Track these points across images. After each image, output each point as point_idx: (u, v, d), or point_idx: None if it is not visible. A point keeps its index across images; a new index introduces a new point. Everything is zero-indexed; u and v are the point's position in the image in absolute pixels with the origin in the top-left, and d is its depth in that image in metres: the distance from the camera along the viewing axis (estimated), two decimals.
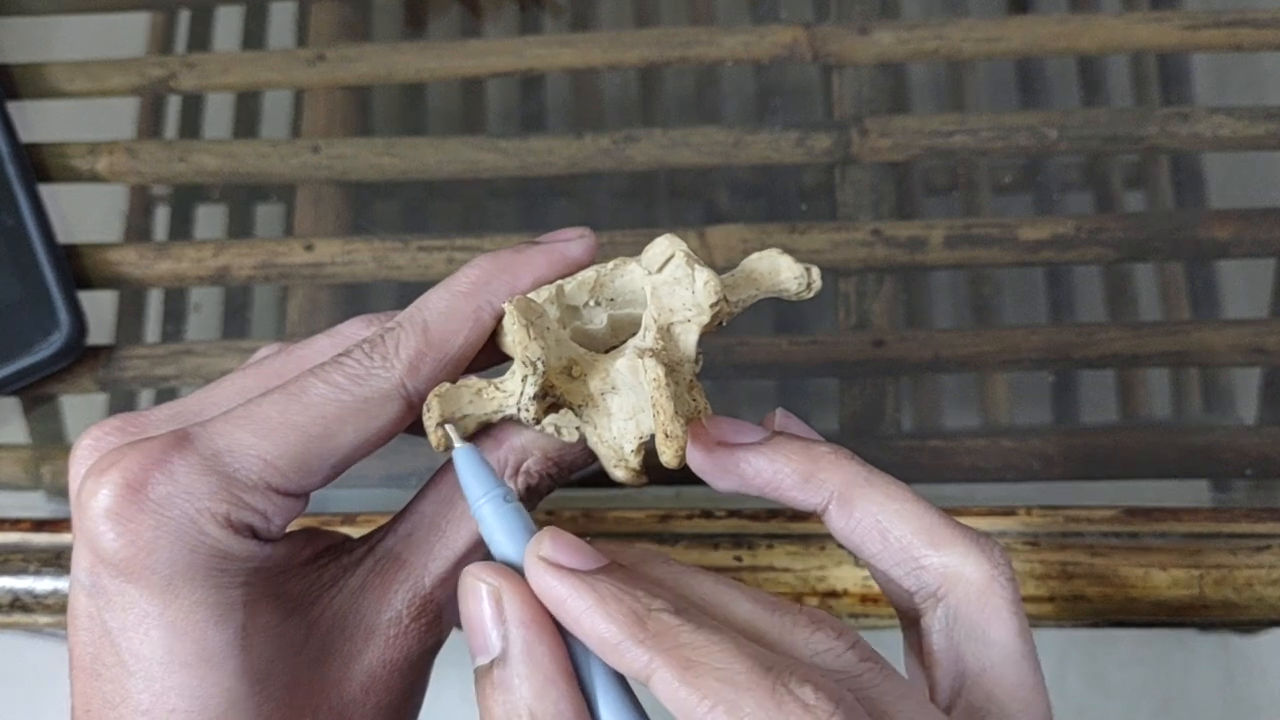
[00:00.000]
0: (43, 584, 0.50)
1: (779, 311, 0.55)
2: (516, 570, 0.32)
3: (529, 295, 0.35)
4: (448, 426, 0.34)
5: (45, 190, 0.56)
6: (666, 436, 0.33)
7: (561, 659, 0.31)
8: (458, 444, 0.34)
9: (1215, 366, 0.53)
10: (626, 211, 0.56)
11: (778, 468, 0.35)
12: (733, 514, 0.50)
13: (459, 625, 0.33)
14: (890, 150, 0.55)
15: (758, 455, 0.35)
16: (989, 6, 0.58)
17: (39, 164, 0.57)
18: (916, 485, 0.51)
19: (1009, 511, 0.49)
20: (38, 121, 0.58)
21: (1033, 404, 0.53)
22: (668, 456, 0.33)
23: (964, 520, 0.48)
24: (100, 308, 0.55)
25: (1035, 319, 0.54)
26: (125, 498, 0.31)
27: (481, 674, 0.32)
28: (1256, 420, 0.52)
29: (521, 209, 0.57)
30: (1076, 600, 0.48)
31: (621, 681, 0.31)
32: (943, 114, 0.56)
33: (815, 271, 0.36)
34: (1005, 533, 0.49)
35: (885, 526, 0.34)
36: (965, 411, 0.53)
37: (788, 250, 0.54)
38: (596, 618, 0.30)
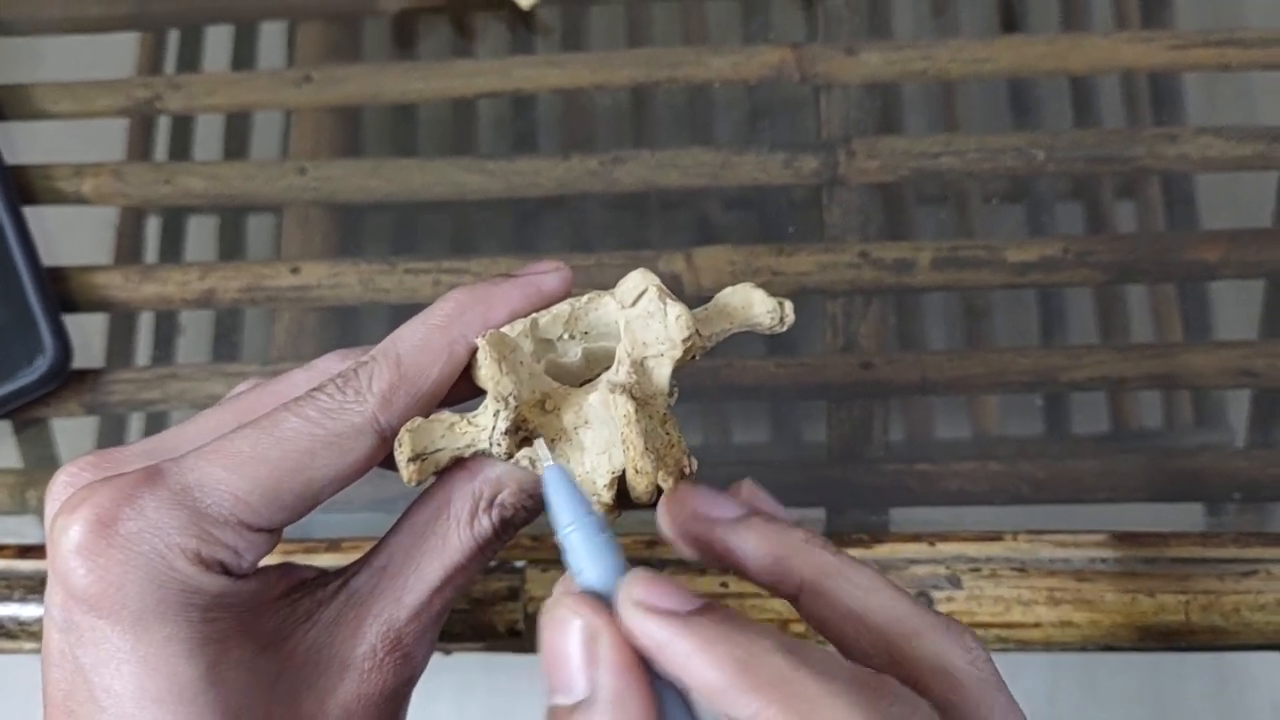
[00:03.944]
0: (28, 610, 0.50)
1: None
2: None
3: (503, 329, 0.35)
4: (538, 443, 0.34)
5: (31, 212, 0.56)
6: (637, 472, 0.33)
7: (653, 713, 0.30)
8: (549, 461, 0.34)
9: (1203, 389, 0.52)
10: (616, 228, 0.56)
11: (749, 549, 0.34)
12: None
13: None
14: (878, 171, 0.55)
15: (732, 534, 0.34)
16: (979, 26, 0.58)
17: (24, 186, 0.56)
18: (904, 509, 0.51)
19: (996, 536, 0.49)
20: (26, 143, 0.58)
21: (1022, 426, 0.53)
22: (639, 491, 0.33)
23: (951, 545, 0.49)
24: (86, 331, 0.55)
25: (1027, 339, 0.54)
26: (95, 534, 0.31)
27: (560, 715, 0.31)
28: (1246, 444, 0.52)
29: (512, 225, 0.57)
30: (1064, 626, 0.48)
31: None
32: (930, 135, 0.56)
33: (788, 305, 0.36)
34: (992, 558, 0.48)
35: (859, 617, 0.33)
36: (953, 434, 0.53)
37: (776, 271, 0.54)
38: (702, 663, 0.29)
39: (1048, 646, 0.48)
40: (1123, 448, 0.52)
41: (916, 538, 0.49)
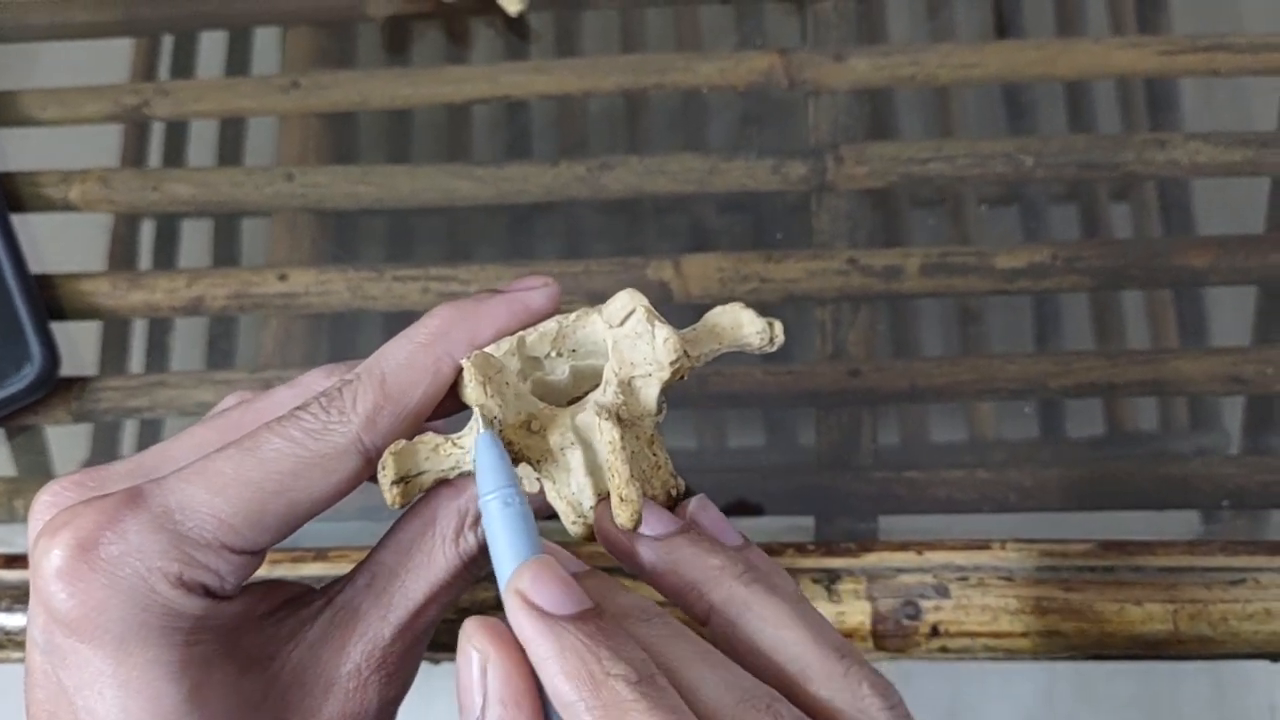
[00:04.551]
0: (14, 620, 0.50)
1: None
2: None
3: (488, 348, 0.35)
4: (477, 408, 0.34)
5: (23, 219, 0.56)
6: (621, 500, 0.32)
7: None
8: (482, 429, 0.33)
9: (1193, 396, 0.52)
10: (608, 232, 0.56)
11: (663, 571, 0.34)
12: None
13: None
14: (866, 177, 0.55)
15: (651, 552, 0.34)
16: (973, 31, 0.58)
17: (12, 193, 0.56)
18: (892, 517, 0.51)
19: (983, 545, 0.49)
20: (17, 149, 0.58)
21: (1018, 430, 0.53)
22: (623, 519, 0.33)
23: (939, 554, 0.48)
24: (79, 339, 0.55)
25: (1021, 345, 0.54)
26: (76, 557, 0.31)
27: None
28: (1239, 450, 0.52)
29: (505, 230, 0.56)
30: (1051, 635, 0.48)
31: None
32: (918, 141, 0.56)
33: (778, 326, 0.36)
34: (980, 567, 0.48)
35: (760, 653, 0.33)
36: (950, 439, 0.53)
37: (764, 278, 0.54)
38: (554, 670, 0.30)
39: (1035, 655, 0.48)
40: (1116, 453, 0.52)
41: (904, 546, 0.49)
